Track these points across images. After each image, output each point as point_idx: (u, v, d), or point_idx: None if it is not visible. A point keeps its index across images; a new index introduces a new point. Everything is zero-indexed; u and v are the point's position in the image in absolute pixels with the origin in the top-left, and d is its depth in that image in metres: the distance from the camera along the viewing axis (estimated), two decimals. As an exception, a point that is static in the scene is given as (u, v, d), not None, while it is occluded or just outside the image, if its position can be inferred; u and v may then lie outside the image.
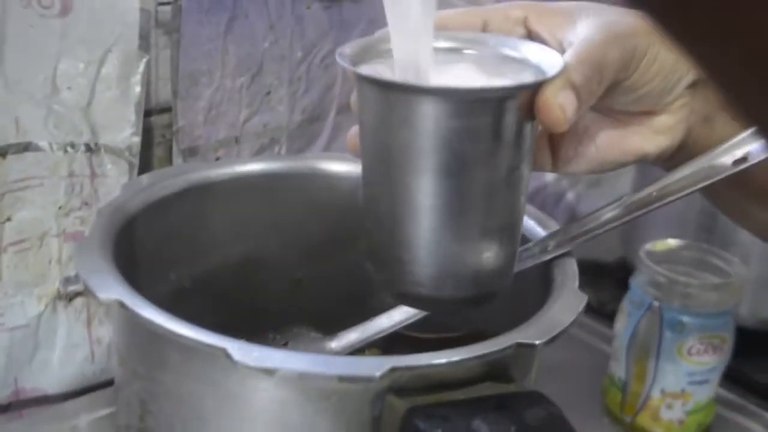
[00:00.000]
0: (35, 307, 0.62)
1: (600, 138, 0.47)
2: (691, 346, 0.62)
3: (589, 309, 0.77)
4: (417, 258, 0.41)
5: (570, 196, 0.90)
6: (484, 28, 0.47)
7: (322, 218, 0.57)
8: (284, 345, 0.57)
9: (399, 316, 0.52)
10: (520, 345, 0.40)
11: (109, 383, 0.65)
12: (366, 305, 0.55)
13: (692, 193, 0.47)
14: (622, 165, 0.49)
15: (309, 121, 0.71)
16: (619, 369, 0.66)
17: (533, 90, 0.41)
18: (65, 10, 0.56)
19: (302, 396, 0.39)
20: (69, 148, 0.60)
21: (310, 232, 0.57)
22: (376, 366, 0.38)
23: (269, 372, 0.37)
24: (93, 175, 0.61)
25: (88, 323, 0.65)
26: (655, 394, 0.64)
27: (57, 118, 0.59)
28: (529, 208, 0.54)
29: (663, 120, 0.47)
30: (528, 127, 0.41)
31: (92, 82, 0.59)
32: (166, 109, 0.64)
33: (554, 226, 0.52)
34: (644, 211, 0.48)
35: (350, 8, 0.71)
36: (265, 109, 0.68)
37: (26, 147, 0.58)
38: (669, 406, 0.64)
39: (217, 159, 0.66)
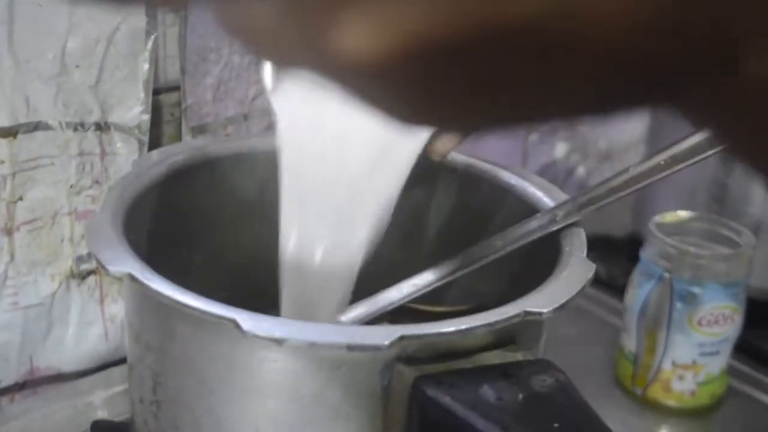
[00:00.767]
0: (48, 286, 0.62)
1: None
2: (702, 316, 0.62)
3: (601, 283, 0.78)
4: None
5: (581, 170, 0.90)
6: None
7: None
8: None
9: (408, 288, 0.52)
10: (527, 313, 0.41)
11: (123, 360, 0.66)
12: (375, 280, 0.55)
13: (701, 160, 0.47)
14: None
15: (317, 98, 0.71)
16: (629, 341, 0.66)
17: None
18: (73, -12, 0.57)
19: (311, 366, 0.40)
20: (79, 127, 0.60)
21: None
22: (386, 335, 0.38)
23: (278, 341, 0.38)
24: (103, 153, 0.62)
25: (101, 301, 0.65)
26: (666, 366, 0.64)
27: (66, 96, 0.59)
28: (538, 179, 0.55)
29: None
30: None
31: (101, 60, 0.59)
32: (175, 88, 0.64)
33: (562, 197, 0.52)
34: (653, 179, 0.48)
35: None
36: (273, 86, 0.68)
37: (36, 126, 0.59)
38: (680, 378, 0.64)
39: (227, 136, 0.67)
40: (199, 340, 0.41)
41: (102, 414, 0.62)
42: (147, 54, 0.60)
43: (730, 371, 0.67)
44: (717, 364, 0.65)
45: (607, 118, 0.19)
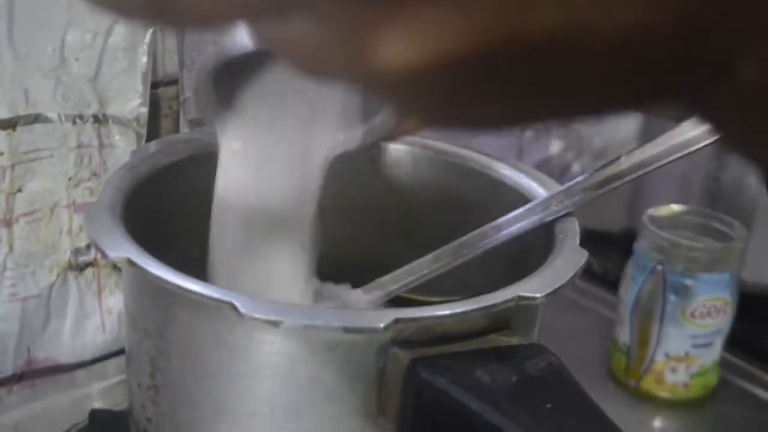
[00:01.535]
0: (47, 278, 0.63)
1: None
2: (695, 308, 0.63)
3: (595, 277, 0.78)
4: None
5: (575, 167, 0.91)
6: None
7: (330, 183, 0.57)
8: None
9: (402, 278, 0.53)
10: (521, 298, 0.41)
11: (120, 352, 0.66)
12: (370, 270, 0.56)
13: (695, 151, 0.48)
14: None
15: (314, 93, 0.72)
16: (623, 333, 0.67)
17: None
18: (72, -19, 0.57)
19: (307, 348, 0.40)
20: (77, 120, 0.60)
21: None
22: (381, 317, 0.38)
23: (275, 324, 0.38)
24: (101, 146, 0.62)
25: (99, 293, 0.66)
26: (660, 358, 0.65)
27: (65, 89, 0.59)
28: (532, 170, 0.55)
29: None
30: None
31: (99, 53, 0.60)
32: (173, 82, 0.65)
33: (556, 187, 0.52)
34: (646, 170, 0.49)
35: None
36: (270, 81, 0.69)
37: (35, 119, 0.59)
38: (673, 370, 0.65)
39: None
40: (197, 324, 0.42)
41: (99, 405, 0.63)
42: (146, 47, 0.61)
43: (723, 364, 0.68)
44: (710, 356, 0.65)
45: (618, 114, 0.21)
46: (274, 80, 0.45)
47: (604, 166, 0.50)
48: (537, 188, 0.53)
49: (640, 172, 0.49)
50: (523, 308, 0.42)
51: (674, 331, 0.64)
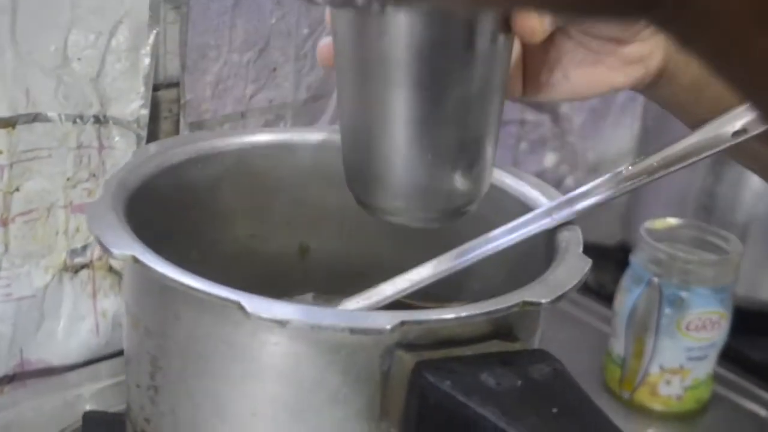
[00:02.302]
0: (42, 278, 0.62)
1: (570, 68, 0.47)
2: (690, 321, 0.63)
3: (590, 291, 0.78)
4: (393, 171, 0.42)
5: (569, 181, 0.91)
6: None
7: (330, 187, 0.57)
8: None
9: (402, 284, 0.53)
10: (526, 303, 0.41)
11: (113, 355, 0.66)
12: (370, 276, 0.56)
13: (694, 163, 0.48)
14: (594, 95, 0.49)
15: (314, 99, 0.72)
16: (618, 345, 0.67)
17: None
18: (76, -19, 0.57)
19: (313, 349, 0.40)
20: (78, 120, 0.60)
21: (317, 202, 0.58)
22: (387, 319, 0.38)
23: (282, 323, 0.38)
24: (101, 147, 0.62)
25: (94, 296, 0.65)
26: (654, 370, 0.65)
27: (67, 89, 0.59)
28: (534, 179, 0.55)
29: (634, 49, 0.47)
30: (503, 39, 0.41)
31: (102, 53, 0.59)
32: (174, 84, 0.65)
33: (558, 197, 0.53)
34: (645, 180, 0.49)
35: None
36: (270, 86, 0.69)
37: (35, 118, 0.59)
38: (667, 382, 0.65)
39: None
40: (201, 323, 0.42)
41: (91, 407, 0.62)
42: (148, 48, 0.61)
43: (716, 378, 0.68)
44: (704, 369, 0.65)
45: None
46: None
47: (604, 177, 0.50)
48: (538, 197, 0.53)
49: (639, 184, 0.49)
50: (527, 314, 0.43)
51: (669, 343, 0.64)
